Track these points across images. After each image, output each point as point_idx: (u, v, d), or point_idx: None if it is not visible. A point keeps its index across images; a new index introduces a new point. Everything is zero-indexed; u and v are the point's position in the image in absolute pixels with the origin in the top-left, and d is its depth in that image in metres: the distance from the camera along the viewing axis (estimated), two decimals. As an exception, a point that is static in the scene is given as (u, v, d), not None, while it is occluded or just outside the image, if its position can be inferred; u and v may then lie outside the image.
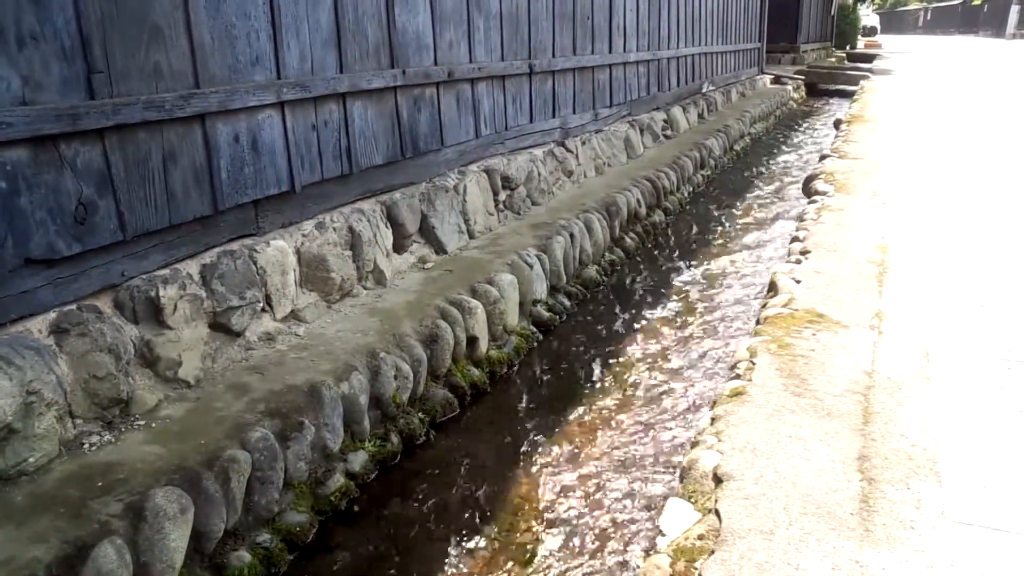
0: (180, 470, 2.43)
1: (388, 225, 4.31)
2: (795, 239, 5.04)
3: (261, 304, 3.39)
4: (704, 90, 11.82)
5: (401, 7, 4.31)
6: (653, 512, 2.89)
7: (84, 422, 2.61)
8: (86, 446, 2.55)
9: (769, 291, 4.20)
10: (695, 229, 7.31)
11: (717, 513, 2.17)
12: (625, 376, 4.12)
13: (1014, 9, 40.21)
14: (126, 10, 2.77)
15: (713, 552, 2.02)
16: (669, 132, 9.62)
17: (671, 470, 3.16)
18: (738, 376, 3.06)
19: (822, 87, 19.09)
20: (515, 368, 4.20)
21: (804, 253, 4.53)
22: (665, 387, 3.95)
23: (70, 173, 2.62)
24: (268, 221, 3.58)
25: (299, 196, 3.72)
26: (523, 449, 3.44)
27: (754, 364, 3.08)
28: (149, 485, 2.32)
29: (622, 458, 3.32)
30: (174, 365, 2.93)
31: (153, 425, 2.71)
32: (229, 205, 3.31)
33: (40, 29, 2.48)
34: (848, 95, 16.02)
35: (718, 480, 2.34)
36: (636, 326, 4.83)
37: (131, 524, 2.20)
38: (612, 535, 2.83)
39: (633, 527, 2.86)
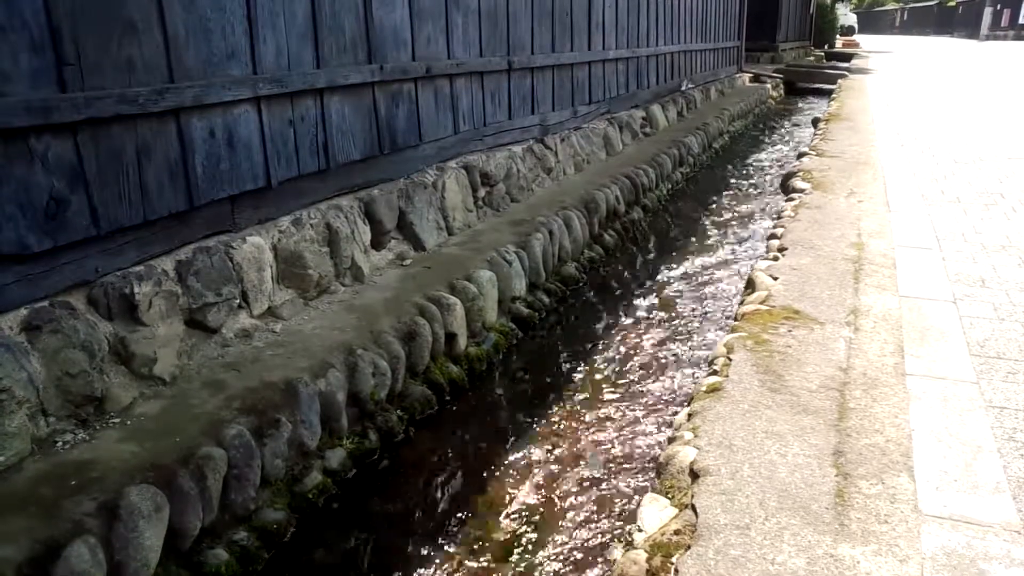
0: (155, 468, 2.40)
1: (366, 221, 4.28)
2: (773, 236, 5.07)
3: (238, 301, 3.36)
4: (683, 88, 11.88)
5: (378, 1, 4.28)
6: (631, 507, 2.91)
7: (57, 420, 2.58)
8: (59, 444, 2.51)
9: (746, 288, 4.23)
10: (674, 226, 7.35)
11: (694, 508, 2.19)
12: (604, 372, 4.13)
13: (987, 12, 40.88)
14: (97, 1, 2.72)
15: (689, 547, 2.03)
16: (648, 129, 9.66)
17: (649, 465, 3.18)
18: (715, 372, 3.08)
19: (801, 85, 19.27)
20: (495, 365, 4.19)
21: (781, 250, 4.56)
22: (643, 383, 3.97)
23: (40, 167, 2.58)
24: (244, 217, 3.55)
25: (276, 192, 3.69)
26: (502, 446, 3.44)
27: (731, 360, 3.10)
28: (124, 483, 2.30)
29: (600, 454, 3.33)
30: (149, 362, 2.89)
31: (128, 423, 2.68)
32: (205, 201, 3.28)
33: (7, 19, 2.43)
34: (826, 94, 16.17)
35: (695, 475, 2.36)
36: (615, 322, 4.85)
37: (105, 523, 2.18)
38: (590, 530, 2.84)
39: (611, 522, 2.88)
